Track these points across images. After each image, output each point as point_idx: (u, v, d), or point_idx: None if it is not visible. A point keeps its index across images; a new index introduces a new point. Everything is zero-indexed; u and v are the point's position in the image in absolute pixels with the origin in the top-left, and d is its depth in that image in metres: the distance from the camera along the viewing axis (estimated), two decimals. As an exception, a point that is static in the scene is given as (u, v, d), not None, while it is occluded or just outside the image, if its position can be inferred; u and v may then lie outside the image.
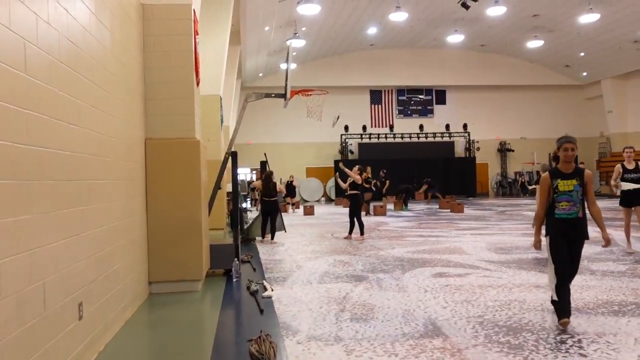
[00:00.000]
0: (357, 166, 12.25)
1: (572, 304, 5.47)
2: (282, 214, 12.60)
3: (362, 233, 11.52)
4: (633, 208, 8.58)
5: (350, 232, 11.69)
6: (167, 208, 6.55)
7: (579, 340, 4.32)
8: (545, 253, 5.06)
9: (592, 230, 5.07)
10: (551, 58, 29.11)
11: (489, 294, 6.03)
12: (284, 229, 12.38)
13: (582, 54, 27.43)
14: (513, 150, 31.41)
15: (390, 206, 20.63)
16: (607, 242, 4.79)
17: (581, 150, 33.70)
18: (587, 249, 9.18)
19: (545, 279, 6.78)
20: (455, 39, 25.31)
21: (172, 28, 6.68)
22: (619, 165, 8.73)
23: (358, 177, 11.73)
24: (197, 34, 7.24)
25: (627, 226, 8.79)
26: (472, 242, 10.68)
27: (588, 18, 21.40)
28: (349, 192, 11.95)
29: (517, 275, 7.11)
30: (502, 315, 5.13)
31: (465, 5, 19.22)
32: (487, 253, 9.17)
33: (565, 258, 4.75)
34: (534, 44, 26.27)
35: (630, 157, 8.60)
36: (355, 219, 11.59)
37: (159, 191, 6.55)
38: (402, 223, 15.18)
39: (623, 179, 8.56)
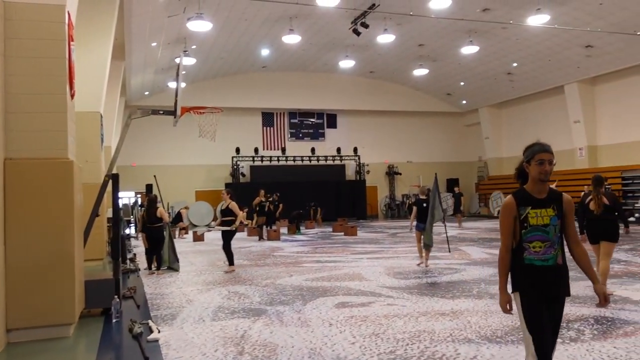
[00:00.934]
0: (224, 190, 11.09)
1: (480, 332, 5.32)
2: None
3: (230, 263, 10.55)
4: None
5: (231, 262, 10.56)
6: (31, 240, 5.56)
7: (497, 376, 4.08)
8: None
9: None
10: (435, 86, 30.60)
11: (396, 325, 5.72)
12: (177, 266, 10.81)
13: (462, 83, 29.10)
14: (400, 174, 32.43)
15: (284, 230, 20.19)
16: (604, 298, 3.27)
17: (462, 174, 35.57)
18: (481, 271, 9.34)
19: (450, 306, 6.63)
20: (347, 64, 25.74)
21: (41, 31, 5.78)
22: None
23: (232, 202, 10.63)
24: (72, 40, 6.37)
25: None
26: (370, 267, 10.48)
27: (468, 50, 22.69)
28: (224, 219, 10.71)
29: (420, 302, 6.90)
30: (414, 350, 4.81)
31: (356, 32, 19.54)
32: (386, 278, 8.97)
33: (546, 324, 3.19)
34: (420, 72, 27.41)
35: None
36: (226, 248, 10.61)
37: (22, 220, 5.55)
38: (297, 248, 14.76)
39: None
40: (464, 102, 32.08)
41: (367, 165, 31.20)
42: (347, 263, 11.12)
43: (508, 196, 3.37)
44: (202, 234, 11.21)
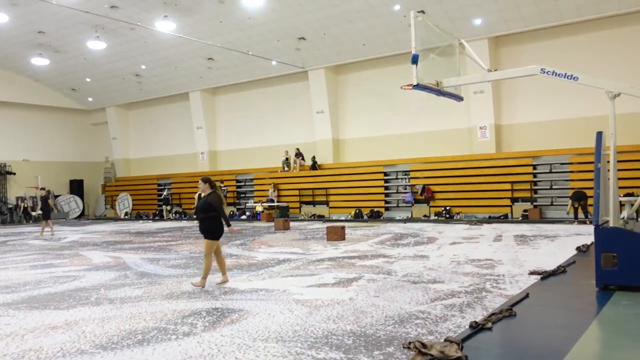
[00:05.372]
0: None
1: (95, 341, 5.07)
2: None
3: None
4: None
5: None
6: None
7: (109, 384, 3.93)
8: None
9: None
10: (57, 79, 28.22)
11: (-5, 349, 4.94)
12: None
13: (88, 79, 27.68)
14: (14, 173, 28.74)
15: None
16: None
17: (88, 174, 33.87)
18: (102, 276, 8.98)
19: (63, 317, 6.11)
20: (-58, 40, 21.34)
21: None
22: None
23: None
24: None
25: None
26: (-32, 282, 8.86)
27: (95, 45, 21.73)
28: None
29: (28, 318, 6.15)
30: (15, 374, 4.23)
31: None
32: (-12, 295, 7.72)
33: None
34: (40, 61, 24.88)
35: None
36: None
37: None
38: None
39: None
40: (90, 99, 30.64)
41: (-29, 162, 26.59)
42: (-64, 281, 9.14)
43: None
44: None
